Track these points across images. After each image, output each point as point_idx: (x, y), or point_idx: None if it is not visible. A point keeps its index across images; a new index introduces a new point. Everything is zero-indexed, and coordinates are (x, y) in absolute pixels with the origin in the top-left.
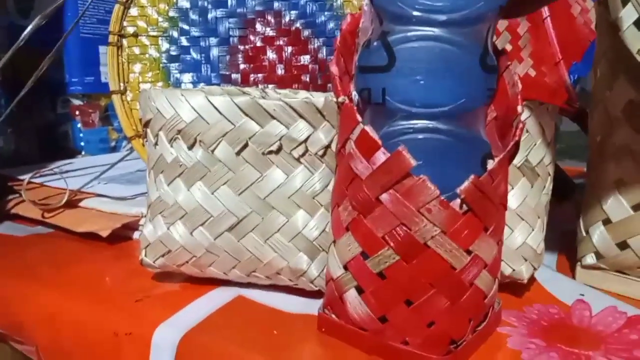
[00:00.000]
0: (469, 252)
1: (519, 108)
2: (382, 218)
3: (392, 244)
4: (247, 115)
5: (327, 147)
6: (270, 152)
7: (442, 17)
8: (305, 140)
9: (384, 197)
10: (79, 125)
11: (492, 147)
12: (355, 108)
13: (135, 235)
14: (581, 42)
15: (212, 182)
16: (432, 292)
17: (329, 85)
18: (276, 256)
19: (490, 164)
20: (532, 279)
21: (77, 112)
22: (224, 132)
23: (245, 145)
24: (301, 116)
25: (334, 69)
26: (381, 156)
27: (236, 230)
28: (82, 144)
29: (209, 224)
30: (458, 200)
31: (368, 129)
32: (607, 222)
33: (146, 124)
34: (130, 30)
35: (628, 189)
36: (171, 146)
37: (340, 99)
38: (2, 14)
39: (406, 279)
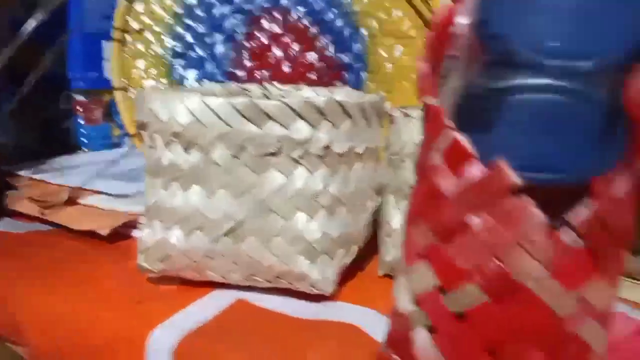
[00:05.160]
0: (577, 297)
1: None
2: (469, 246)
3: (479, 280)
4: (244, 116)
5: (328, 147)
6: (269, 154)
7: None
8: (305, 141)
9: (474, 220)
10: (82, 121)
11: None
12: (443, 112)
13: (135, 233)
14: None
15: (209, 186)
16: (525, 343)
17: (336, 83)
18: (276, 260)
19: (617, 187)
20: None
21: (79, 108)
22: (221, 134)
23: (243, 148)
24: (300, 116)
25: (423, 65)
26: (476, 170)
27: (235, 234)
28: (84, 140)
29: (206, 228)
30: (570, 232)
31: (460, 136)
32: None
33: (142, 127)
34: (135, 26)
35: None
36: (167, 149)
37: (427, 99)
38: (5, 7)
39: (493, 324)
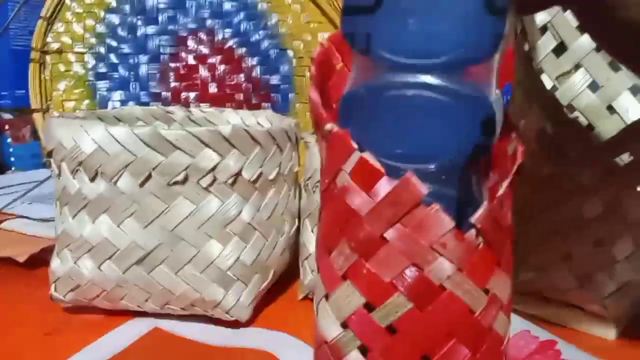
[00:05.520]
0: (486, 292)
1: (513, 133)
2: (389, 259)
3: (403, 290)
4: (148, 145)
5: (238, 174)
6: (176, 183)
7: None
8: (213, 169)
9: (390, 233)
10: (9, 140)
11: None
12: (346, 135)
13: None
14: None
15: (116, 215)
16: (452, 342)
17: (264, 104)
18: (188, 288)
19: (501, 189)
20: None
21: (6, 127)
22: (126, 163)
23: (149, 177)
24: (207, 145)
25: (314, 95)
26: (385, 185)
27: (145, 263)
28: (12, 159)
29: (116, 257)
30: (473, 231)
31: (367, 155)
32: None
33: (49, 154)
34: (54, 46)
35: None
36: (74, 178)
37: (327, 127)
38: None
39: (421, 330)
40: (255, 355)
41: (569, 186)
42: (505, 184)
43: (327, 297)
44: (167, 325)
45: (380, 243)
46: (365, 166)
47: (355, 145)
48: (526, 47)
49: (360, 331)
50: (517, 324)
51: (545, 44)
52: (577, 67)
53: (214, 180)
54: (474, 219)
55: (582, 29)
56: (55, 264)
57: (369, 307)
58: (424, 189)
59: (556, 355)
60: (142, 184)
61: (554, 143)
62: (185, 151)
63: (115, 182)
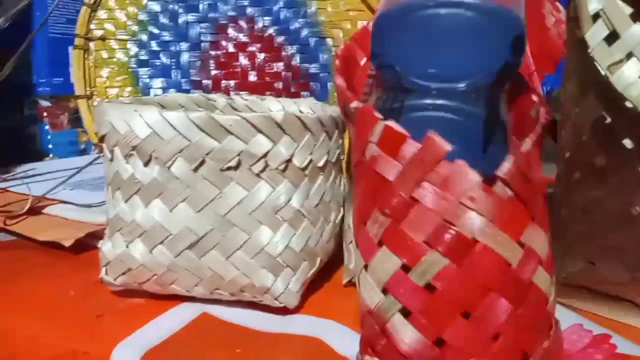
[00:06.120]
0: (521, 245)
1: (534, 97)
2: (420, 218)
3: (436, 246)
4: (203, 131)
5: (289, 161)
6: (229, 168)
7: None
8: (265, 155)
9: (419, 192)
10: (47, 127)
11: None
12: (371, 109)
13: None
14: (555, 53)
15: (169, 200)
16: (491, 295)
17: (303, 93)
18: (239, 274)
19: (525, 144)
20: None
21: (44, 114)
22: (180, 148)
23: (203, 162)
24: (260, 131)
25: (339, 80)
26: (410, 147)
27: (196, 248)
28: (50, 146)
29: (168, 242)
30: (500, 184)
31: (391, 123)
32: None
33: (101, 139)
34: (98, 33)
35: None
36: (127, 162)
37: (353, 105)
38: None
39: (459, 285)
40: (304, 341)
41: (622, 177)
42: (529, 139)
43: (366, 267)
44: (215, 311)
45: (410, 204)
46: (389, 132)
47: (378, 115)
48: (579, 34)
49: (400, 293)
50: (570, 318)
51: (597, 33)
52: (629, 56)
53: (266, 166)
54: (499, 171)
55: (635, 16)
56: (106, 247)
57: (407, 269)
58: (446, 145)
59: (611, 348)
60: (195, 169)
61: (609, 133)
62: (238, 137)
63: (169, 167)
